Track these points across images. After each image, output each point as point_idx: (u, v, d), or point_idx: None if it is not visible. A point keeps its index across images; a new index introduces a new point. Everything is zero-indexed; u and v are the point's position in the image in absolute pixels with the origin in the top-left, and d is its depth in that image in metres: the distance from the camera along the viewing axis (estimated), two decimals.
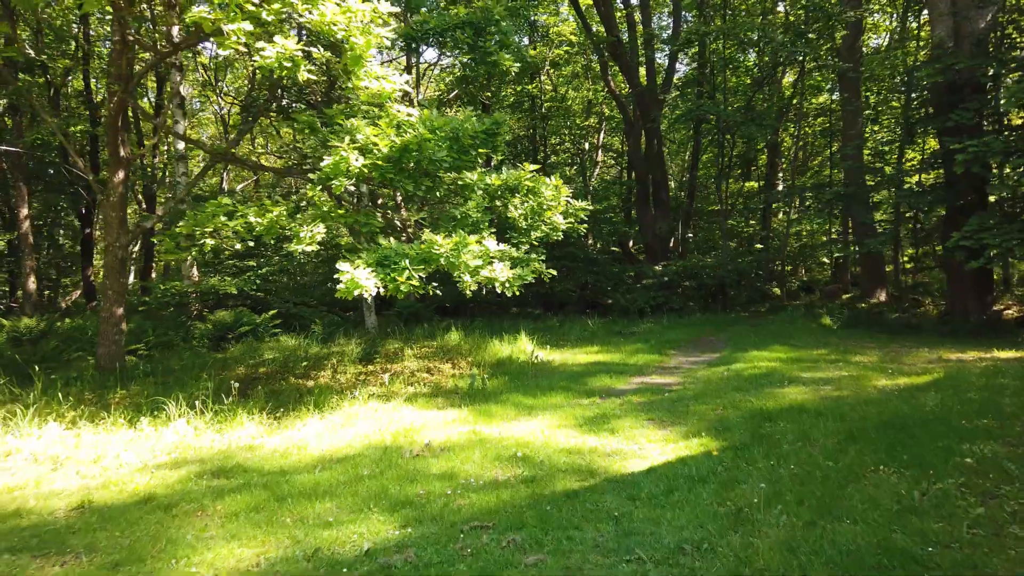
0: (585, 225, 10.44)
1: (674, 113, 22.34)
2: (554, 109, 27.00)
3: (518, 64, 11.61)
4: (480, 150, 8.96)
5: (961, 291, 14.72)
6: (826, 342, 12.33)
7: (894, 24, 26.32)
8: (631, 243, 27.43)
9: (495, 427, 7.13)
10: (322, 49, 7.69)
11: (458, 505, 4.85)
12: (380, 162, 7.85)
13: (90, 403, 8.59)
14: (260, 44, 6.38)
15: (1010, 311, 14.47)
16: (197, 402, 7.81)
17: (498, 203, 9.24)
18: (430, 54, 31.08)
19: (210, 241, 7.64)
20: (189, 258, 17.31)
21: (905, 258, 27.52)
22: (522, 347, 12.35)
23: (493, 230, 9.51)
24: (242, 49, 6.44)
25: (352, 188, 8.95)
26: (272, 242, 7.74)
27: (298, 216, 8.24)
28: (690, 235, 23.91)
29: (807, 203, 30.59)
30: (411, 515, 4.68)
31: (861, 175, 18.39)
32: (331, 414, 7.89)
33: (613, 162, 32.65)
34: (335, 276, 7.22)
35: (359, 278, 7.13)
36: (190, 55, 24.68)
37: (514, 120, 28.29)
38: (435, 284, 8.21)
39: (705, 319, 16.79)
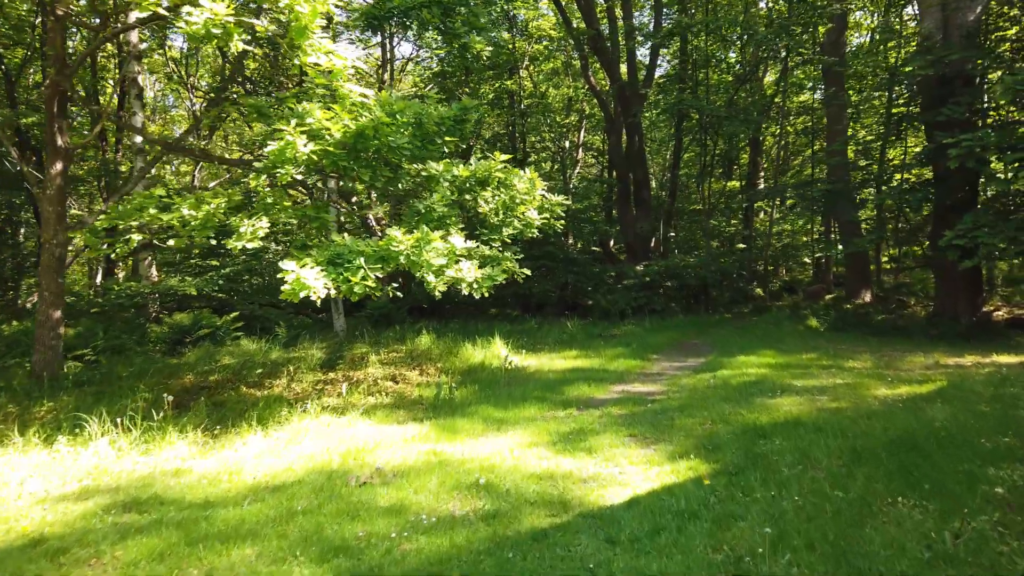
0: (562, 222, 9.65)
1: (656, 109, 21.60)
2: (534, 106, 26.23)
3: (490, 48, 10.72)
4: (447, 138, 8.12)
5: (950, 292, 14.16)
6: (815, 346, 11.65)
7: (875, 23, 25.89)
8: (612, 243, 26.75)
9: (458, 446, 6.30)
10: (267, 22, 6.81)
11: (403, 551, 4.01)
12: (332, 148, 6.98)
13: (10, 418, 7.62)
14: (187, 9, 5.49)
15: (1000, 312, 13.94)
16: (127, 417, 6.88)
17: (467, 197, 8.41)
18: (406, 48, 30.09)
19: (136, 236, 6.72)
20: (149, 257, 16.30)
21: (885, 258, 27.15)
22: (496, 352, 11.53)
23: (462, 226, 8.71)
24: (163, 12, 5.55)
25: (304, 179, 8.05)
26: (210, 239, 6.82)
27: (243, 210, 7.34)
28: (672, 234, 23.25)
29: (791, 201, 30.17)
30: (344, 566, 3.83)
31: (846, 172, 17.84)
32: (277, 430, 7.00)
33: (594, 160, 31.96)
34: (278, 276, 6.36)
35: (306, 278, 6.27)
36: (158, 48, 23.57)
37: (492, 117, 27.50)
38: (395, 285, 7.40)
39: (688, 321, 16.09)
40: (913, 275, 24.01)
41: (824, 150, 18.32)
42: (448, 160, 8.12)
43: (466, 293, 7.53)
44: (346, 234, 6.90)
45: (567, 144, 30.99)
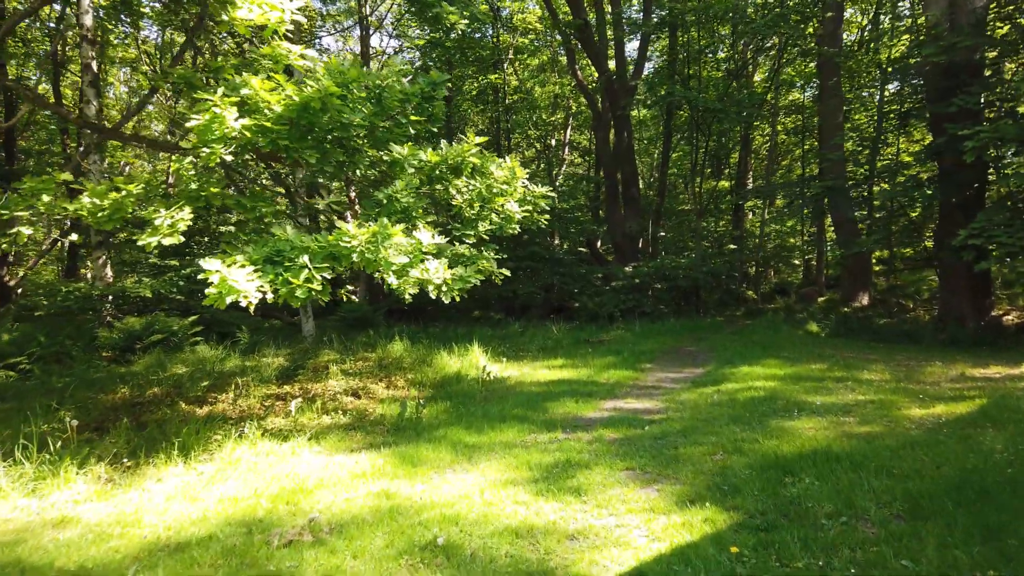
0: (546, 217, 8.49)
1: (645, 104, 20.47)
2: (519, 101, 25.07)
3: (465, 21, 9.53)
4: (413, 117, 6.92)
5: (956, 295, 13.16)
6: (820, 354, 10.56)
7: (866, 21, 25.00)
8: (599, 243, 25.65)
9: (418, 484, 5.09)
10: None
11: None
12: (271, 124, 5.76)
13: None
14: None
15: (1009, 316, 12.97)
16: (19, 447, 5.61)
17: (438, 187, 7.21)
18: (388, 45, 28.84)
19: (25, 230, 5.47)
20: (103, 256, 14.92)
21: (873, 259, 26.25)
22: (474, 361, 10.33)
23: (431, 219, 7.51)
24: None
25: (238, 161, 6.82)
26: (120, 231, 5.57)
27: (168, 199, 6.10)
28: (662, 234, 22.17)
29: (781, 202, 29.23)
30: None
31: (843, 170, 16.84)
32: (203, 462, 5.76)
33: (581, 159, 30.85)
34: (198, 276, 5.14)
35: (235, 280, 5.04)
36: (125, 38, 22.13)
37: (476, 112, 26.31)
38: (350, 288, 6.20)
39: (680, 325, 14.98)
40: (903, 276, 23.12)
41: (818, 148, 17.31)
42: (413, 144, 6.91)
43: (434, 297, 6.34)
44: (290, 227, 5.67)
45: (553, 142, 29.89)
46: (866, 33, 23.18)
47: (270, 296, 5.42)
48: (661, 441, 5.95)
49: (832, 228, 27.20)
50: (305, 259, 5.50)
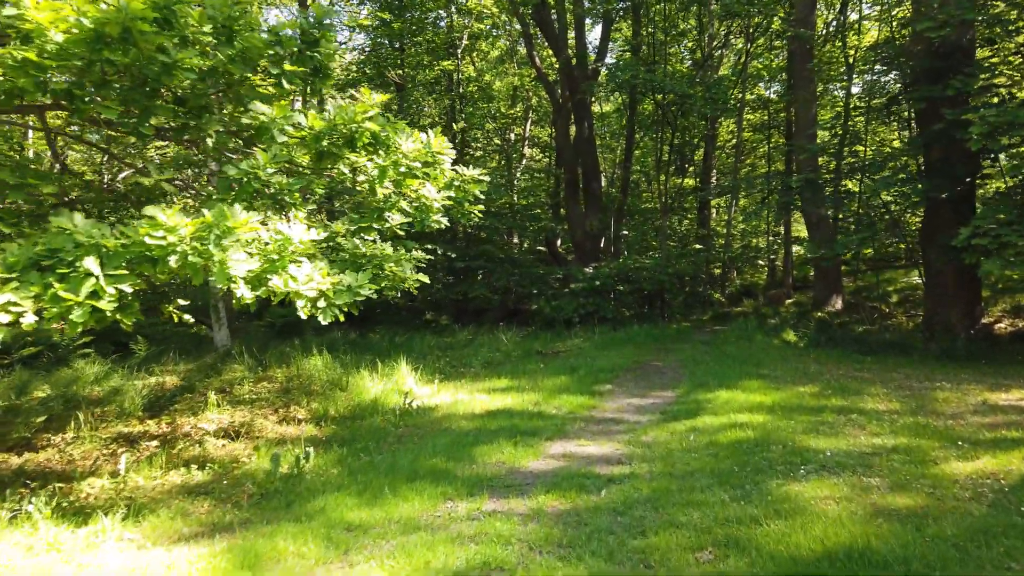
0: (480, 207, 6.61)
1: (607, 90, 18.67)
2: (475, 91, 23.11)
3: None
4: (288, 67, 4.95)
5: (944, 301, 11.72)
6: (805, 371, 8.92)
7: (831, 16, 23.76)
8: (559, 242, 23.91)
9: None
10: None
11: None
12: (51, 60, 3.75)
13: None
14: None
15: (1001, 325, 11.59)
16: None
17: (327, 163, 5.26)
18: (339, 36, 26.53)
19: None
20: None
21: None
22: (400, 383, 8.40)
23: (313, 206, 5.60)
24: None
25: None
26: None
27: None
28: (624, 232, 20.49)
29: (744, 203, 27.90)
30: None
31: (816, 164, 15.36)
32: None
33: (542, 155, 29.07)
34: None
35: None
36: None
37: (431, 101, 24.27)
38: (182, 303, 4.23)
39: (644, 333, 13.25)
40: (866, 277, 21.95)
41: (788, 142, 15.82)
42: (284, 103, 4.97)
43: (305, 316, 4.44)
44: (80, 216, 3.66)
45: (512, 137, 28.05)
46: (831, 28, 21.88)
47: (28, 320, 3.46)
48: (623, 520, 4.12)
49: (798, 227, 25.98)
50: (90, 263, 3.52)
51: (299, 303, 4.35)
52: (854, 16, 20.74)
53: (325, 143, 5.06)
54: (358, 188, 5.50)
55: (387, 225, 5.81)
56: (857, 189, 12.66)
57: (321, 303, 4.45)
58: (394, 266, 5.50)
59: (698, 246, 20.49)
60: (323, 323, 4.45)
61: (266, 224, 4.58)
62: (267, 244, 4.35)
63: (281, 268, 4.26)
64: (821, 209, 15.25)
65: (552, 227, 19.82)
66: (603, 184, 28.14)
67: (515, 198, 25.28)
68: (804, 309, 17.27)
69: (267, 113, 4.75)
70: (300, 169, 5.31)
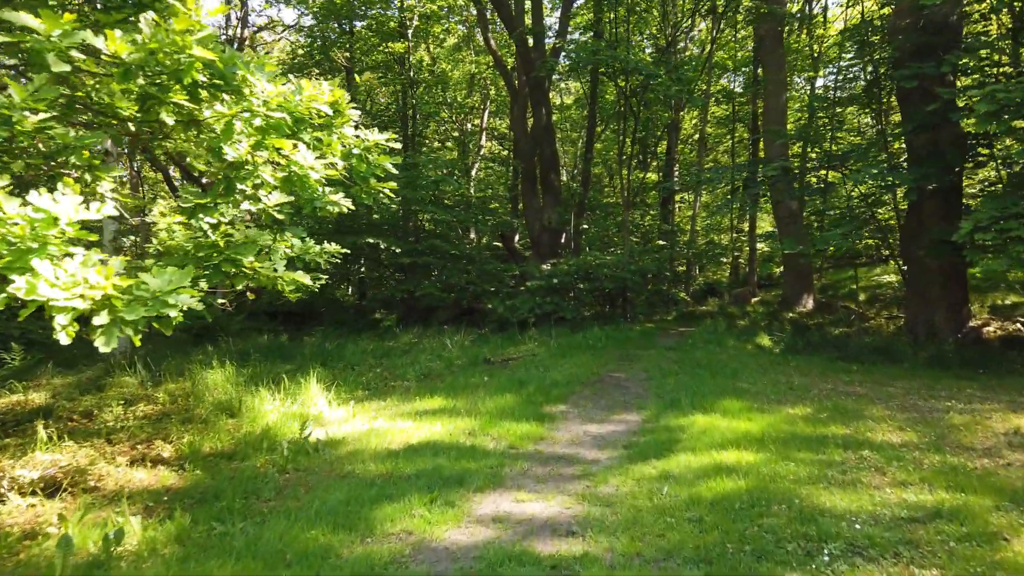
0: (392, 184, 5.00)
1: (567, 69, 17.12)
2: (428, 75, 21.36)
3: None
4: None
5: (928, 302, 10.58)
6: (790, 384, 7.57)
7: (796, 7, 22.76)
8: (516, 238, 22.38)
9: None
10: None
11: None
12: None
13: None
14: None
15: (990, 328, 10.49)
16: None
17: (153, 112, 3.57)
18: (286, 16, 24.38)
19: None
20: None
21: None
22: (308, 404, 6.74)
23: (117, 172, 3.93)
24: None
25: None
26: None
27: None
28: (585, 226, 19.04)
29: (706, 198, 26.81)
30: None
31: (786, 153, 14.16)
32: None
33: (500, 147, 27.47)
34: None
35: None
36: None
37: (381, 87, 22.41)
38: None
39: (606, 336, 11.80)
40: (828, 275, 21.04)
41: (753, 134, 14.58)
42: (68, 16, 3.28)
43: (69, 339, 2.74)
44: None
45: (469, 127, 26.38)
46: (804, 13, 20.81)
47: None
48: None
49: (761, 224, 24.95)
50: None
51: (58, 320, 2.67)
52: (819, 8, 19.71)
53: (142, 81, 3.38)
54: (197, 148, 3.82)
55: (259, 205, 4.16)
56: (837, 180, 11.42)
57: (101, 318, 2.78)
58: (256, 261, 3.86)
59: (661, 242, 19.20)
60: (103, 350, 2.79)
61: (24, 196, 2.87)
62: (16, 224, 2.68)
63: (22, 264, 2.60)
64: (793, 203, 14.07)
65: (508, 221, 18.24)
66: (564, 177, 26.74)
67: (472, 191, 23.67)
68: (772, 309, 16.12)
69: (36, 28, 3.04)
70: (108, 120, 3.60)
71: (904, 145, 10.84)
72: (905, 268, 11.00)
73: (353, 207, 4.96)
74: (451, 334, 12.96)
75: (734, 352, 9.92)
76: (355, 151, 4.76)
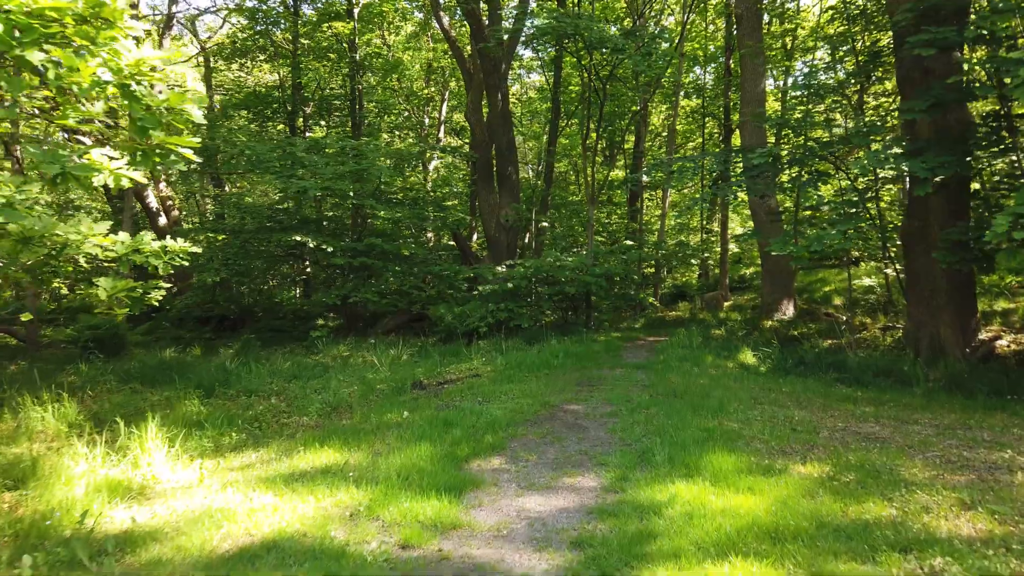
0: (195, 142, 3.05)
1: (528, 39, 15.22)
2: (378, 62, 19.30)
3: None
4: None
5: (933, 312, 9.01)
6: (790, 421, 5.83)
7: None
8: (476, 238, 20.48)
9: None
10: None
11: None
12: None
13: None
14: None
15: (1002, 342, 8.97)
16: None
17: None
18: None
19: None
20: None
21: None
22: (139, 463, 4.74)
23: None
24: None
25: None
26: None
27: None
28: (544, 224, 17.17)
29: (674, 197, 25.26)
30: None
31: (764, 140, 12.54)
32: None
33: (461, 140, 25.51)
34: None
35: None
36: None
37: (325, 71, 20.25)
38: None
39: (564, 351, 9.96)
40: (799, 277, 19.61)
41: (739, 113, 12.94)
42: None
43: None
44: None
45: (427, 120, 24.37)
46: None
47: None
48: None
49: (731, 224, 23.44)
50: None
51: None
52: None
53: None
54: None
55: None
56: (829, 171, 9.79)
57: None
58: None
59: (629, 242, 17.51)
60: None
61: None
62: None
63: None
64: (772, 200, 12.46)
65: (461, 218, 16.31)
66: (527, 174, 24.89)
67: (429, 187, 21.68)
68: (746, 315, 14.54)
69: None
70: None
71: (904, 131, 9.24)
72: (901, 272, 9.40)
73: (141, 172, 3.03)
74: (388, 347, 11.01)
75: (715, 373, 8.18)
76: (133, 85, 2.80)
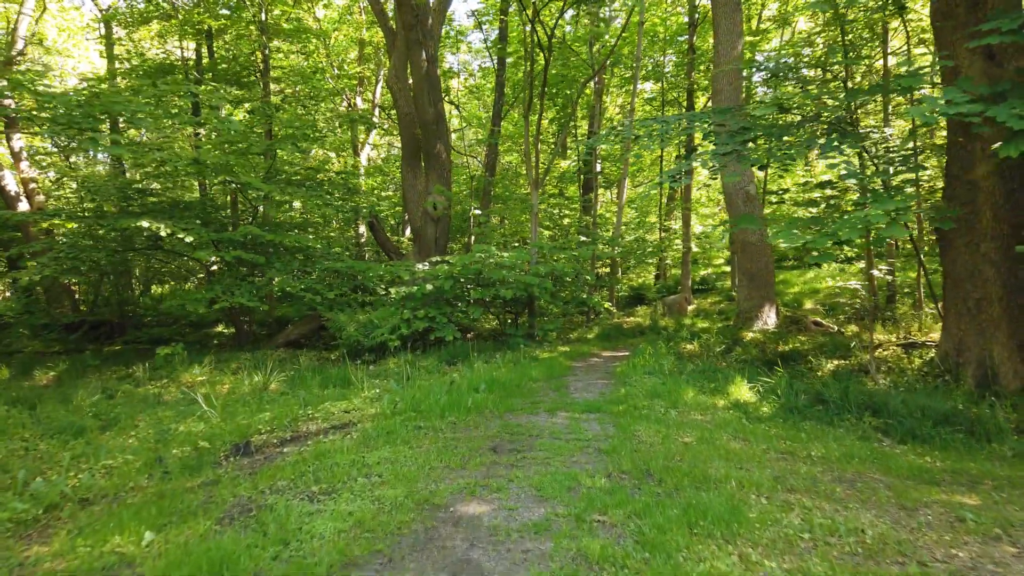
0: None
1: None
2: (288, 21, 15.92)
3: None
4: None
5: (978, 328, 6.46)
6: (867, 547, 3.02)
7: None
8: (407, 232, 17.32)
9: None
10: None
11: None
12: None
13: None
14: None
15: None
16: None
17: None
18: None
19: None
20: None
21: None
22: None
23: None
24: None
25: None
26: None
27: None
28: (478, 211, 14.13)
29: (646, 188, 22.72)
30: None
31: (743, 118, 9.89)
32: None
33: (395, 123, 22.24)
34: None
35: None
36: None
37: (231, 37, 16.73)
38: None
39: (490, 379, 6.94)
40: (779, 277, 17.23)
41: (712, 79, 10.21)
42: None
43: None
44: None
45: (360, 102, 21.03)
46: None
47: None
48: None
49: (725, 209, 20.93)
50: None
51: None
52: None
53: None
54: None
55: None
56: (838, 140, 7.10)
57: None
58: None
59: (582, 238, 14.68)
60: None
61: None
62: None
63: None
64: (751, 186, 9.84)
65: (374, 204, 13.17)
66: (473, 165, 21.88)
67: (363, 176, 18.43)
68: (715, 322, 11.89)
69: None
70: None
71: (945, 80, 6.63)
72: (943, 277, 6.78)
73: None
74: (257, 370, 7.84)
75: (702, 421, 5.34)
76: None
